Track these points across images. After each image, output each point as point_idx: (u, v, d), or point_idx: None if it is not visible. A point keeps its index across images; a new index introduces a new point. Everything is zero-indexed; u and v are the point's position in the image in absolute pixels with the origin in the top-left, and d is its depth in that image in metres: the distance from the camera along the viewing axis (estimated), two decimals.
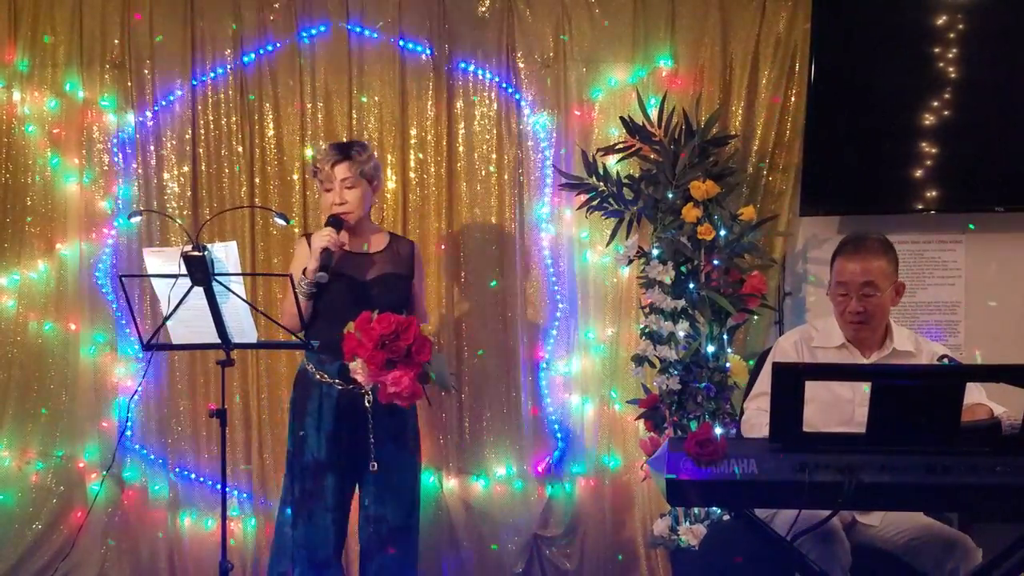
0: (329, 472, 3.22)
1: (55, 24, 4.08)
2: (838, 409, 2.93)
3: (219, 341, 2.97)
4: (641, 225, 4.00)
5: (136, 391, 3.99)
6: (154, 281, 2.96)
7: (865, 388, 2.45)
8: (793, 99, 4.10)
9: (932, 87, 3.95)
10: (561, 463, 4.18)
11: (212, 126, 4.11)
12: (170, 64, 4.08)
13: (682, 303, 3.81)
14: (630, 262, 3.99)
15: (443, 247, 4.11)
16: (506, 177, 4.13)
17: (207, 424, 4.10)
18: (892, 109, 4.00)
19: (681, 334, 3.83)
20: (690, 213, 3.79)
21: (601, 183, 3.95)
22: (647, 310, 3.88)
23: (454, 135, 4.13)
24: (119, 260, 4.11)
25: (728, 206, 3.92)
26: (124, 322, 4.12)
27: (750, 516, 2.60)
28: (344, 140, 3.96)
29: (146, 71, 4.08)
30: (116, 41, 4.08)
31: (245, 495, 4.13)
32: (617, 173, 4.00)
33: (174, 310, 2.90)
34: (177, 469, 4.13)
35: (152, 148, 4.10)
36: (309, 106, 4.10)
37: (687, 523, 3.80)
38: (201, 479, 4.13)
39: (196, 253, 2.81)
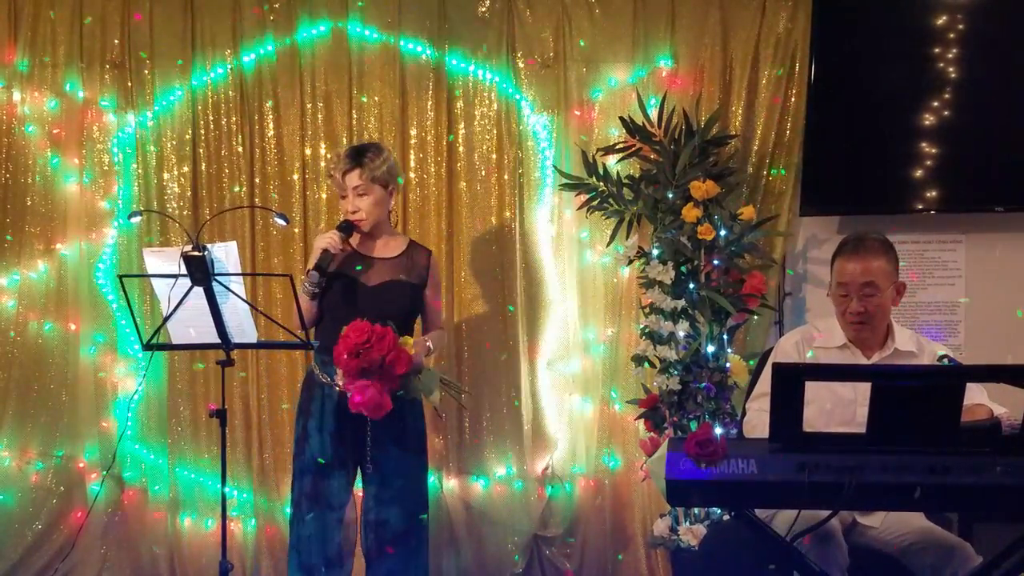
0: (330, 473, 3.21)
1: (55, 24, 4.08)
2: (840, 409, 2.93)
3: (219, 341, 2.97)
4: (641, 225, 4.00)
5: (136, 391, 3.98)
6: (154, 281, 2.96)
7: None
8: (793, 99, 4.10)
9: (932, 87, 3.95)
10: (561, 463, 4.18)
11: (212, 126, 4.11)
12: (170, 64, 4.08)
13: (682, 303, 3.81)
14: (630, 262, 3.99)
15: (443, 247, 4.11)
16: (506, 177, 4.13)
17: (207, 424, 4.10)
18: (892, 109, 4.00)
19: (681, 334, 3.83)
20: (690, 213, 3.79)
21: (601, 183, 3.95)
22: (647, 310, 3.88)
23: (454, 135, 4.13)
24: (119, 260, 4.11)
25: (728, 206, 3.92)
26: (124, 322, 4.12)
27: (750, 516, 2.60)
28: (345, 142, 3.97)
29: (146, 71, 4.08)
30: (116, 41, 4.08)
31: (245, 495, 4.13)
32: (617, 173, 4.00)
33: (174, 310, 2.90)
34: (177, 469, 4.13)
35: (152, 148, 4.10)
36: (309, 106, 4.10)
37: (687, 523, 3.80)
38: (201, 479, 4.13)
39: (196, 253, 2.82)
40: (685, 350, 3.82)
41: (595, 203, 3.96)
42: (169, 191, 4.11)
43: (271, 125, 4.11)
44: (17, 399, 4.14)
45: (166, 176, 4.12)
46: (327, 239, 3.14)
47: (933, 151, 3.98)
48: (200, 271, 2.83)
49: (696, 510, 3.79)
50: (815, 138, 3.99)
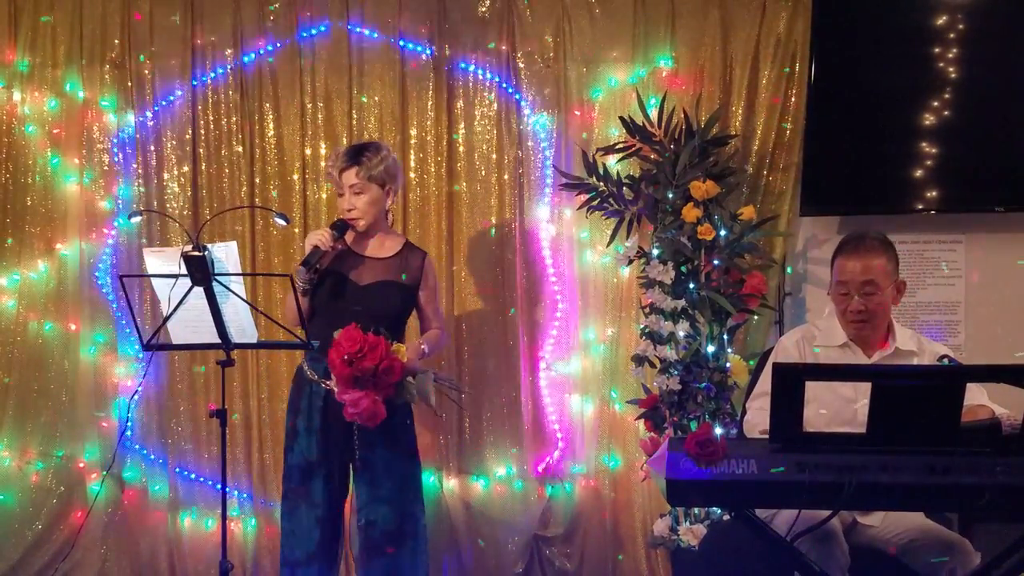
0: (316, 470, 3.23)
1: (55, 24, 4.08)
2: (840, 409, 2.93)
3: (219, 341, 2.97)
4: (641, 225, 4.00)
5: (136, 391, 3.99)
6: (154, 281, 2.96)
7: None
8: (793, 99, 4.10)
9: (932, 87, 3.95)
10: (561, 463, 4.18)
11: (212, 126, 4.11)
12: (170, 64, 4.08)
13: (682, 303, 3.81)
14: (630, 262, 3.99)
15: (443, 247, 4.11)
16: (506, 177, 4.13)
17: (207, 424, 4.10)
18: (892, 109, 4.00)
19: (681, 334, 3.83)
20: (690, 213, 3.79)
21: (601, 183, 3.95)
22: (647, 310, 3.88)
23: (454, 135, 4.13)
24: (119, 260, 4.11)
25: (728, 206, 3.92)
26: (124, 322, 4.12)
27: (750, 516, 2.59)
28: (345, 142, 3.98)
29: (146, 71, 4.09)
30: (116, 41, 4.08)
31: (245, 495, 4.13)
32: (617, 173, 4.00)
33: (174, 310, 2.90)
34: (177, 469, 4.13)
35: (152, 148, 4.11)
36: (309, 106, 4.10)
37: (687, 523, 3.80)
38: (201, 479, 4.13)
39: (196, 253, 2.81)
40: (685, 350, 3.82)
41: (595, 203, 3.96)
42: (169, 191, 4.12)
43: (271, 125, 4.12)
44: (17, 399, 4.14)
45: (166, 176, 4.12)
46: (318, 236, 3.16)
47: (933, 151, 3.98)
48: (200, 271, 2.83)
49: (696, 510, 3.79)
50: (815, 138, 3.99)
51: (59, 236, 4.14)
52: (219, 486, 3.11)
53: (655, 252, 3.86)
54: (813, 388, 2.38)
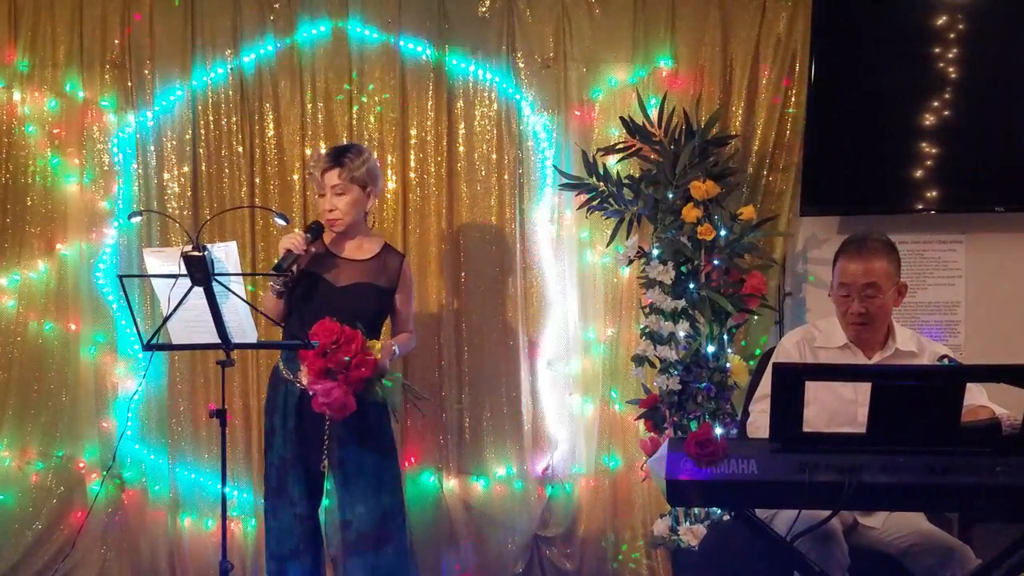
0: (292, 469, 3.26)
1: (55, 24, 4.08)
2: (841, 410, 2.92)
3: (219, 341, 2.97)
4: (641, 225, 4.00)
5: (136, 391, 3.98)
6: (154, 281, 2.96)
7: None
8: (793, 99, 4.10)
9: (932, 87, 3.95)
10: (561, 463, 4.18)
11: (212, 126, 4.11)
12: (170, 64, 4.08)
13: (682, 303, 3.81)
14: (630, 262, 3.99)
15: (443, 247, 4.11)
16: (506, 177, 4.13)
17: (207, 424, 4.09)
18: (892, 109, 4.00)
19: (681, 334, 3.83)
20: (690, 213, 3.79)
21: (601, 183, 3.95)
22: (647, 310, 3.89)
23: (454, 135, 4.13)
24: (119, 260, 4.11)
25: (728, 206, 3.92)
26: (124, 322, 4.12)
27: (750, 516, 2.60)
28: (345, 142, 3.97)
29: (146, 71, 4.08)
30: (116, 41, 4.08)
31: (245, 495, 4.13)
32: (617, 173, 4.00)
33: (174, 310, 2.90)
34: (177, 469, 4.13)
35: (152, 148, 4.10)
36: (309, 106, 4.10)
37: (687, 523, 3.80)
38: (201, 479, 4.13)
39: (196, 253, 2.81)
40: (685, 350, 3.82)
41: (595, 203, 3.96)
42: (169, 191, 4.11)
43: (271, 125, 4.11)
44: (17, 399, 4.14)
45: (166, 176, 4.12)
46: (291, 240, 3.19)
47: (933, 151, 3.98)
48: (200, 271, 2.83)
49: (696, 510, 3.79)
50: (815, 138, 3.99)
51: (59, 236, 4.13)
52: (219, 486, 3.11)
53: (655, 252, 3.86)
54: (813, 389, 2.38)
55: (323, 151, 3.37)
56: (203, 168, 4.11)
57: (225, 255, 2.88)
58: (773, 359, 3.07)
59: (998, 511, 2.40)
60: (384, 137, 4.10)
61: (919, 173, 4.00)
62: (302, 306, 3.24)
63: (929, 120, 3.96)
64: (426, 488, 4.14)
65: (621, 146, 4.01)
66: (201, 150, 4.11)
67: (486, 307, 4.15)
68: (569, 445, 4.18)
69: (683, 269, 3.86)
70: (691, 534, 3.74)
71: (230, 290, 2.88)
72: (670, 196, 3.84)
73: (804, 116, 4.03)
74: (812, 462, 2.31)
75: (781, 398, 2.38)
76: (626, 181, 3.97)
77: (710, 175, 3.84)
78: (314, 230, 3.26)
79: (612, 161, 4.05)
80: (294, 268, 3.20)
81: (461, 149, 4.14)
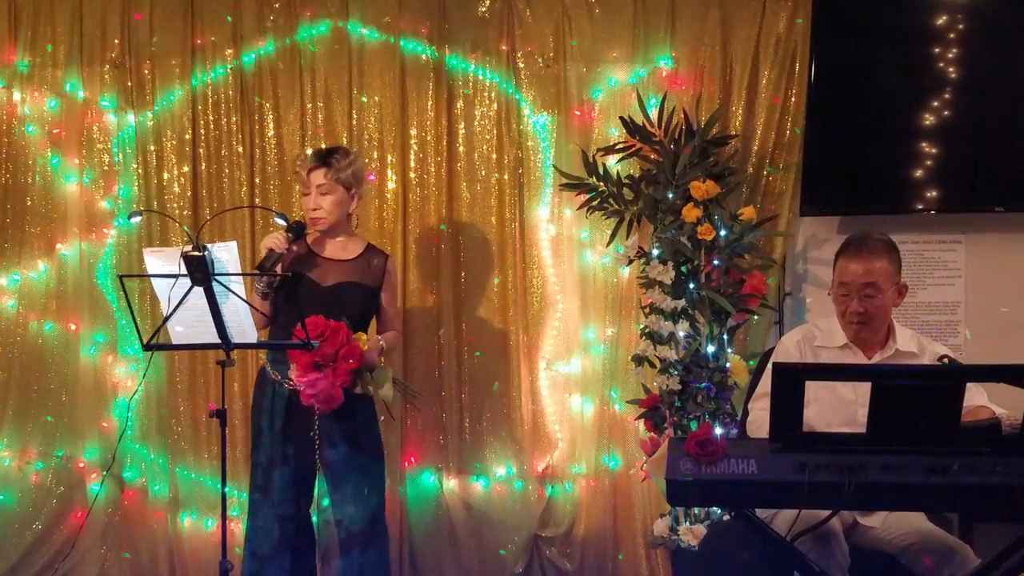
0: (277, 469, 3.28)
1: (55, 24, 4.08)
2: (841, 410, 2.93)
3: (219, 341, 2.97)
4: (641, 225, 4.00)
5: (136, 391, 3.99)
6: (154, 281, 2.96)
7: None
8: (793, 99, 4.10)
9: (932, 87, 3.95)
10: (561, 463, 4.17)
11: (212, 126, 4.11)
12: (170, 64, 4.08)
13: (682, 303, 3.81)
14: (630, 262, 3.99)
15: (443, 247, 4.11)
16: (506, 177, 4.13)
17: (207, 424, 4.10)
18: (892, 109, 4.00)
19: (681, 334, 3.83)
20: (690, 213, 3.79)
21: (601, 183, 3.95)
22: (647, 310, 3.88)
23: (454, 135, 4.13)
24: (119, 260, 4.11)
25: (728, 206, 3.92)
26: (124, 322, 4.12)
27: (750, 516, 2.60)
28: (345, 142, 3.98)
29: (146, 71, 4.08)
30: (116, 41, 4.08)
31: (245, 495, 4.12)
32: (617, 173, 4.00)
33: (174, 310, 2.89)
34: (177, 469, 4.13)
35: (152, 148, 4.10)
36: (309, 106, 4.10)
37: (687, 523, 3.80)
38: (201, 479, 4.13)
39: (196, 253, 2.81)
40: (685, 350, 3.82)
41: (595, 203, 3.96)
42: (169, 191, 4.11)
43: (271, 125, 4.12)
44: (17, 399, 4.14)
45: (166, 176, 4.12)
46: (273, 239, 3.22)
47: (933, 151, 3.98)
48: (200, 271, 2.83)
49: (696, 510, 3.79)
50: (815, 138, 3.99)
51: (59, 236, 4.14)
52: (219, 486, 3.11)
53: (655, 252, 3.86)
54: (813, 388, 2.38)
55: (310, 150, 3.40)
56: (203, 168, 4.12)
57: (225, 255, 2.88)
58: (773, 358, 3.07)
59: (998, 511, 2.40)
60: (384, 137, 4.10)
61: (919, 173, 4.00)
62: (287, 305, 3.26)
63: (929, 120, 3.96)
64: (426, 488, 4.15)
65: (621, 146, 4.01)
66: (201, 150, 4.12)
67: (486, 307, 4.15)
68: (569, 445, 4.18)
69: (683, 269, 3.86)
70: (691, 534, 3.73)
71: (230, 290, 2.88)
72: (670, 196, 3.84)
73: (804, 116, 4.03)
74: (812, 462, 2.32)
75: (781, 398, 2.38)
76: (626, 181, 3.97)
77: (710, 175, 3.84)
78: (295, 229, 3.29)
79: (612, 161, 4.05)
80: (277, 268, 3.22)
81: (461, 149, 4.14)
